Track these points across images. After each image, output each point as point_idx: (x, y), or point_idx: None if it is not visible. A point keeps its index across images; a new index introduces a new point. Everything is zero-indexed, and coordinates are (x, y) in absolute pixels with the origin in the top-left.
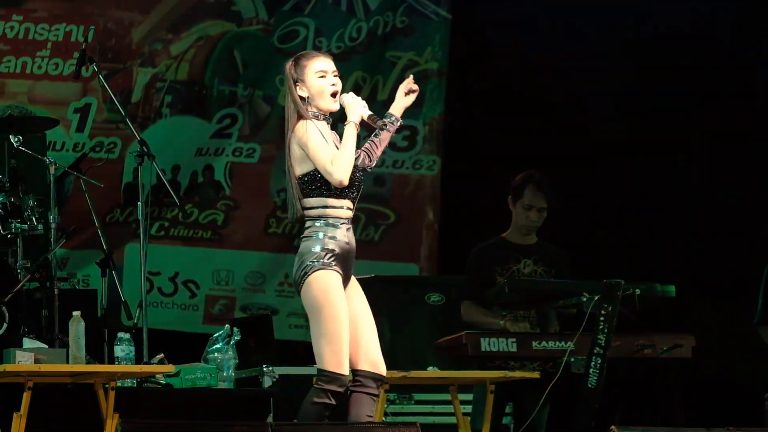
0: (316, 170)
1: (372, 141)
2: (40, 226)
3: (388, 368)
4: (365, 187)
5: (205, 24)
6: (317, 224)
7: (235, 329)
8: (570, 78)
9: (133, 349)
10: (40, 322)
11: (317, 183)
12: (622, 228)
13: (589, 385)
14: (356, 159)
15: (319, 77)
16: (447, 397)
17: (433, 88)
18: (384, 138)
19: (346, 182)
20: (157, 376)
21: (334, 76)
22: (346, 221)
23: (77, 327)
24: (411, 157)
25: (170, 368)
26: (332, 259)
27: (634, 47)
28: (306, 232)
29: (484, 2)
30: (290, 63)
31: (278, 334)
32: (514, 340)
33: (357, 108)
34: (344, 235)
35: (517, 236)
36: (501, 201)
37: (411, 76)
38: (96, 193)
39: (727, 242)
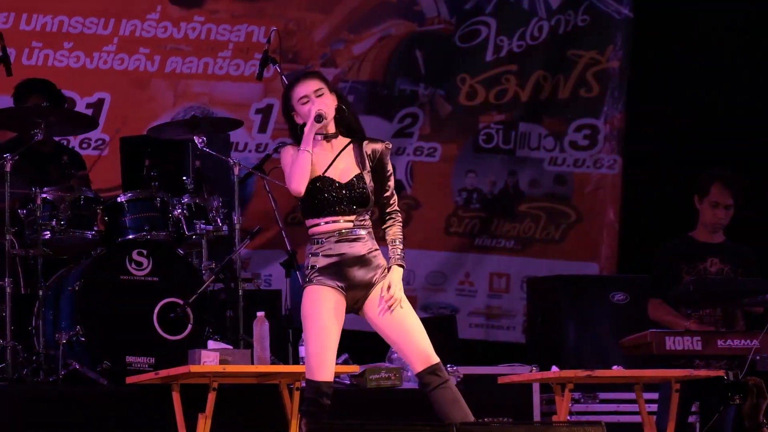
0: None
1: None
2: (224, 227)
3: (572, 367)
4: (546, 186)
5: (387, 24)
6: (310, 242)
7: None
8: (752, 76)
9: None
10: (225, 323)
11: (300, 205)
12: None
13: None
14: (349, 191)
15: (302, 104)
16: (632, 396)
17: (614, 87)
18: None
19: (300, 189)
20: (342, 376)
21: (318, 96)
22: (333, 234)
23: (262, 327)
24: (592, 156)
25: (355, 368)
26: (316, 273)
27: None
28: None
29: (666, 1)
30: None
31: (459, 333)
32: (699, 338)
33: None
34: (331, 248)
35: (705, 234)
36: (681, 200)
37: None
38: (277, 194)
39: None
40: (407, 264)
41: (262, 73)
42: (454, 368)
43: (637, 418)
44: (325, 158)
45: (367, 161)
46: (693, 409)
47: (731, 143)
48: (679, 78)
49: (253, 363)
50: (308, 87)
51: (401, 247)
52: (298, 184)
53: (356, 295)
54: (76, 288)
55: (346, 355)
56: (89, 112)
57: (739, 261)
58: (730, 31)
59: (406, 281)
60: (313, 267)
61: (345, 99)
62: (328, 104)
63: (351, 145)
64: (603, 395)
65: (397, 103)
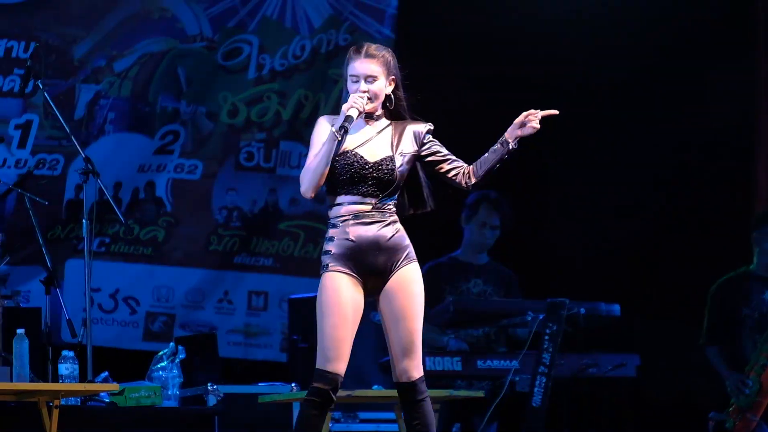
0: None
1: (482, 159)
2: None
3: None
4: (305, 204)
5: (149, 41)
6: (328, 225)
7: (180, 347)
8: (515, 100)
9: (77, 366)
10: None
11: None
12: (569, 248)
13: (534, 404)
14: (389, 161)
15: (352, 81)
16: (392, 415)
17: None
18: (490, 158)
19: (309, 195)
20: (101, 394)
21: (369, 81)
22: (349, 217)
23: (21, 345)
24: None
25: (114, 387)
26: (330, 260)
27: (583, 65)
28: None
29: (427, 22)
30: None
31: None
32: (459, 359)
33: (339, 119)
34: (349, 233)
35: (469, 255)
36: (441, 220)
37: (532, 112)
38: (37, 210)
39: (672, 262)
40: (169, 281)
41: (25, 88)
42: (215, 387)
43: None
44: (362, 135)
45: (403, 143)
46: (454, 430)
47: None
48: (439, 99)
49: (12, 380)
50: (364, 68)
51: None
52: (307, 188)
53: (370, 281)
54: None
55: (106, 373)
56: None
57: (501, 282)
58: (489, 51)
59: (166, 298)
60: (327, 252)
61: (400, 87)
62: (375, 92)
63: (391, 127)
64: (363, 415)
65: (159, 120)
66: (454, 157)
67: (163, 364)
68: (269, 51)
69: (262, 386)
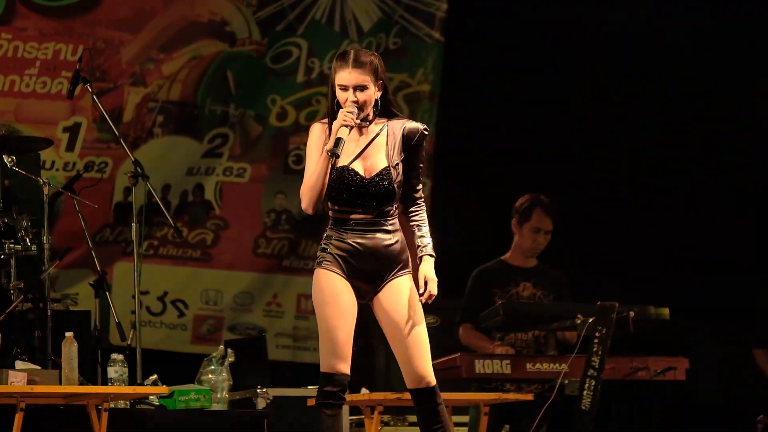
0: None
1: (418, 229)
2: (33, 247)
3: (381, 390)
4: None
5: (198, 44)
6: (328, 225)
7: (229, 350)
8: (562, 103)
9: (126, 370)
10: (33, 344)
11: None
12: (618, 250)
13: (583, 407)
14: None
15: (340, 89)
16: None
17: (424, 110)
18: (417, 234)
19: (310, 211)
20: (151, 397)
21: (358, 90)
22: (353, 222)
23: (70, 348)
24: None
25: (164, 390)
26: (326, 258)
27: (627, 69)
28: None
29: (477, 25)
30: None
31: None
32: (508, 362)
33: (332, 138)
34: (347, 236)
35: (519, 259)
36: (491, 224)
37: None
38: (87, 212)
39: (721, 264)
40: (217, 284)
41: (74, 91)
42: (264, 390)
43: None
44: (355, 146)
45: (399, 147)
46: None
47: (541, 168)
48: (490, 102)
49: (61, 383)
50: (351, 78)
51: (429, 235)
52: (308, 206)
53: (361, 286)
54: None
55: (155, 375)
56: None
57: (551, 285)
58: (539, 58)
59: (214, 301)
60: (324, 249)
61: (389, 90)
62: (365, 100)
63: (385, 130)
64: (412, 418)
65: (207, 123)
66: (417, 180)
67: (212, 367)
68: (318, 54)
69: (311, 389)
